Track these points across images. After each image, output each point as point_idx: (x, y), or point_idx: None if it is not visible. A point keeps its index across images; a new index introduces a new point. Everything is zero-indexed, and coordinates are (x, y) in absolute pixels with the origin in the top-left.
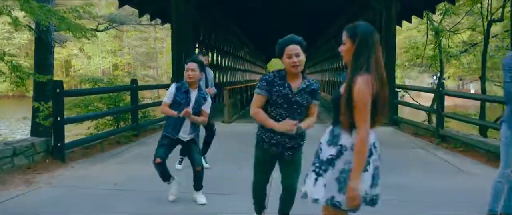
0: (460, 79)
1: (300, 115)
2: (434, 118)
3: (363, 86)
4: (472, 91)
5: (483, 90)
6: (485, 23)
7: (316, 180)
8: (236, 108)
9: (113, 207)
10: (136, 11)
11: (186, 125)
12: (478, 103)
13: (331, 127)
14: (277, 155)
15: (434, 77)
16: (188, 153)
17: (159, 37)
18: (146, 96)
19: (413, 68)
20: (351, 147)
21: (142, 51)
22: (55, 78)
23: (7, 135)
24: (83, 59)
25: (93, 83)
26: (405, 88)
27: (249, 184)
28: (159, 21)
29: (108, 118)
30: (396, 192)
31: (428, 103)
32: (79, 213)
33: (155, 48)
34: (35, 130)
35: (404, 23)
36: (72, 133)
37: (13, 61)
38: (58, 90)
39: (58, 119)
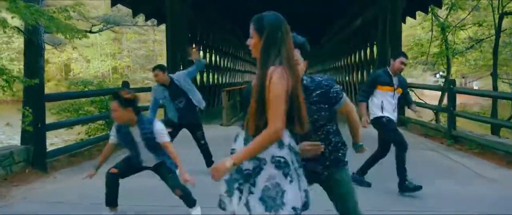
0: (463, 77)
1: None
2: (441, 117)
3: (277, 79)
4: (476, 88)
5: (495, 87)
6: (496, 16)
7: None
8: (236, 110)
9: None
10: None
11: (146, 154)
12: (481, 100)
13: (243, 133)
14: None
15: (437, 75)
16: (162, 179)
17: (159, 39)
18: (143, 99)
19: (416, 67)
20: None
21: (142, 54)
22: (55, 82)
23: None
24: (82, 63)
25: (83, 86)
26: (412, 86)
27: None
28: (155, 22)
29: (100, 122)
30: (409, 202)
31: (432, 102)
32: None
33: (154, 51)
34: (24, 137)
35: (408, 21)
36: (62, 138)
37: None
38: (38, 94)
39: (39, 125)
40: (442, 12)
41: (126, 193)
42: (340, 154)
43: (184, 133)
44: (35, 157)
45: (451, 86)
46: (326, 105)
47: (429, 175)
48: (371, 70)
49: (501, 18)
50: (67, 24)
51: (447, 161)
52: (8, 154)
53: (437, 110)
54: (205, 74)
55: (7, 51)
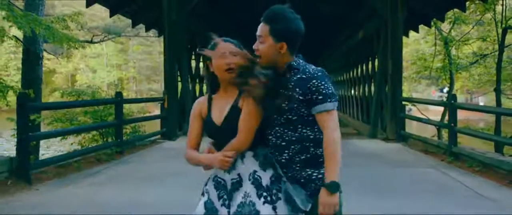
0: (469, 93)
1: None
2: (444, 133)
3: None
4: (481, 104)
5: (499, 102)
6: (500, 31)
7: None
8: None
9: None
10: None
11: None
12: (487, 116)
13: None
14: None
15: (444, 90)
16: None
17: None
18: (148, 111)
19: (420, 81)
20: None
21: (147, 65)
22: (60, 92)
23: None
24: (88, 74)
25: (76, 96)
26: (413, 101)
27: None
28: (157, 33)
29: (94, 133)
30: None
31: (436, 118)
32: None
33: (159, 62)
34: (24, 146)
35: (411, 35)
36: (54, 149)
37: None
38: (22, 104)
39: (23, 135)
40: (446, 26)
41: None
42: (320, 169)
43: None
44: (18, 168)
45: (452, 101)
46: (300, 95)
47: (428, 194)
48: (373, 84)
49: (504, 33)
50: (64, 33)
51: (448, 179)
52: None
53: (438, 125)
54: (204, 86)
55: (14, 60)
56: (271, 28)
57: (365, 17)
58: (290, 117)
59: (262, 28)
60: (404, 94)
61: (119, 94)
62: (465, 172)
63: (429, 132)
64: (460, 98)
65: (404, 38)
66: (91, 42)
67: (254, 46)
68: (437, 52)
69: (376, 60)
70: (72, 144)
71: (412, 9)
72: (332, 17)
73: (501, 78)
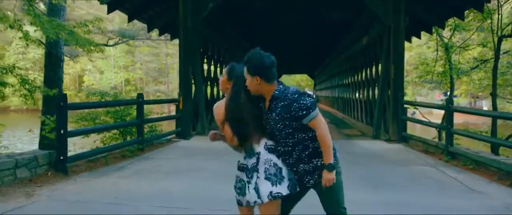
0: (473, 97)
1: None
2: (444, 134)
3: None
4: (485, 108)
5: (495, 106)
6: (496, 39)
7: (248, 188)
8: None
9: None
10: (146, 26)
11: None
12: (488, 120)
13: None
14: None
15: (448, 93)
16: None
17: (171, 53)
18: (154, 111)
19: (424, 85)
20: (264, 148)
21: (154, 66)
22: (68, 92)
23: (17, 148)
24: (95, 75)
25: (99, 97)
26: (414, 104)
27: None
28: (168, 36)
29: (115, 131)
30: (405, 209)
31: (439, 120)
32: None
33: (166, 64)
34: (42, 143)
35: (415, 39)
36: (79, 146)
37: (23, 75)
38: (62, 103)
39: (62, 131)
40: (447, 33)
41: None
42: (316, 161)
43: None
44: (57, 161)
45: (449, 105)
46: (288, 116)
47: (424, 188)
48: (376, 89)
49: (499, 41)
50: (86, 38)
51: (443, 176)
52: (33, 158)
53: (438, 127)
54: (215, 88)
55: (23, 61)
56: (247, 68)
57: (369, 24)
58: (287, 130)
59: (244, 70)
60: (408, 98)
61: (140, 95)
62: (460, 169)
63: (432, 134)
64: (464, 102)
65: (408, 43)
66: (107, 45)
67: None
68: (438, 58)
69: (380, 65)
70: (95, 141)
71: (414, 16)
72: (337, 23)
73: (499, 84)
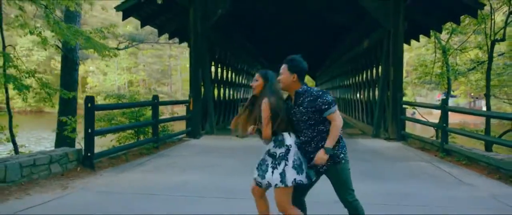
0: (472, 97)
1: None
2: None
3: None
4: (484, 108)
5: (488, 106)
6: (489, 43)
7: (272, 172)
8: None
9: (141, 209)
10: (154, 29)
11: None
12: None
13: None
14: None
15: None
16: None
17: (174, 54)
18: (162, 112)
19: (424, 86)
20: (295, 143)
21: (157, 68)
22: (105, 96)
23: (30, 148)
24: (99, 76)
25: (117, 99)
26: (412, 105)
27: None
28: (176, 39)
29: (129, 131)
30: (400, 198)
31: (438, 120)
32: (112, 213)
33: (169, 65)
34: (60, 141)
35: (415, 41)
36: (96, 145)
37: (42, 79)
38: (89, 105)
39: (89, 130)
40: (445, 36)
41: None
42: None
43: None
44: (84, 158)
45: (444, 105)
46: (313, 109)
47: (419, 181)
48: (377, 89)
49: (492, 45)
50: (102, 43)
51: (438, 170)
52: (64, 154)
53: (435, 127)
54: (222, 90)
55: (27, 63)
56: (289, 66)
57: (370, 27)
58: (310, 122)
59: (283, 67)
60: (409, 98)
61: (155, 97)
62: (454, 165)
63: (431, 133)
64: (464, 102)
65: (408, 45)
66: (117, 49)
67: (278, 78)
68: (436, 60)
69: (380, 67)
70: (111, 140)
71: (413, 20)
72: (339, 26)
73: (495, 84)
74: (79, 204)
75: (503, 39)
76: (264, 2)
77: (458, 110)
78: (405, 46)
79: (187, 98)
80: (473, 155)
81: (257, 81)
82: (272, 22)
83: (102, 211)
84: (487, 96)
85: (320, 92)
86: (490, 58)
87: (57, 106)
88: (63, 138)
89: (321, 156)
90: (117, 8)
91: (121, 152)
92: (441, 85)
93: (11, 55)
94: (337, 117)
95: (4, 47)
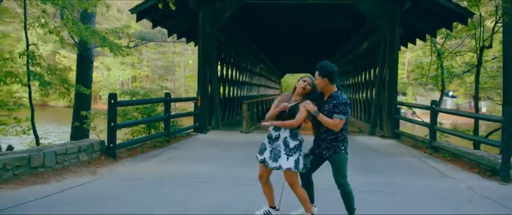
0: (474, 97)
1: None
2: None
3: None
4: (483, 109)
5: (476, 108)
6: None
7: (287, 158)
8: (253, 120)
9: (162, 191)
10: (162, 28)
11: None
12: (486, 122)
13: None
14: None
15: (450, 93)
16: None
17: (177, 51)
18: (160, 109)
19: (423, 87)
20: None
21: (161, 64)
22: (120, 93)
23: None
24: (103, 71)
25: (131, 96)
26: (405, 105)
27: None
28: (183, 38)
29: (142, 125)
30: (387, 187)
31: (443, 121)
32: (135, 198)
33: (173, 62)
34: (76, 133)
35: (418, 42)
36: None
37: (62, 76)
38: (113, 101)
39: (112, 124)
40: (441, 39)
41: None
42: (337, 144)
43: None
44: (107, 148)
45: (433, 106)
46: (332, 111)
47: (407, 173)
48: (374, 90)
49: (481, 51)
50: (116, 43)
51: (424, 165)
52: (90, 145)
53: (428, 126)
54: (227, 88)
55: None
56: (320, 72)
57: (369, 31)
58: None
59: (316, 74)
60: (409, 98)
61: (168, 94)
62: (440, 160)
63: (423, 132)
64: (464, 102)
65: (405, 47)
66: (128, 47)
67: (315, 82)
68: (433, 62)
69: (377, 68)
70: (126, 134)
71: (409, 25)
72: (340, 30)
73: (490, 86)
74: (110, 186)
75: (490, 46)
76: (269, 7)
77: (446, 111)
78: (409, 45)
79: (189, 94)
80: (457, 151)
81: (309, 86)
82: (276, 25)
83: (131, 192)
84: (476, 99)
85: (343, 101)
86: (479, 63)
87: (61, 101)
88: (78, 130)
89: (312, 106)
90: (132, 11)
91: (137, 144)
92: (436, 87)
93: (36, 54)
94: (338, 122)
95: (28, 46)
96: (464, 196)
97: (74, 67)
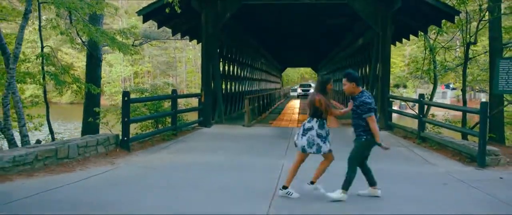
0: (472, 90)
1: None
2: (427, 125)
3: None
4: (483, 99)
5: (464, 101)
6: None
7: (326, 144)
8: (254, 114)
9: (175, 176)
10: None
11: None
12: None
13: (309, 118)
14: None
15: (450, 85)
16: None
17: (179, 47)
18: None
19: (420, 80)
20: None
21: (163, 60)
22: (130, 91)
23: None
24: (105, 67)
25: (140, 93)
26: (396, 98)
27: (269, 167)
28: (186, 36)
29: (150, 120)
30: (375, 172)
31: (437, 113)
32: (153, 181)
33: (175, 57)
34: (86, 129)
35: (412, 38)
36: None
37: (74, 75)
38: (126, 98)
39: (126, 119)
40: (434, 35)
41: None
42: (359, 133)
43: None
44: (122, 141)
45: (421, 99)
46: (358, 110)
47: (393, 161)
48: (369, 84)
49: (467, 47)
50: (123, 43)
51: (411, 153)
52: (106, 138)
53: (415, 117)
54: (229, 84)
55: (32, 56)
56: (347, 78)
57: (363, 29)
58: (355, 115)
59: (344, 80)
60: (410, 90)
61: (174, 91)
62: (426, 149)
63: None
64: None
65: (402, 42)
66: (133, 45)
67: (344, 87)
68: (426, 56)
69: (372, 63)
70: (135, 128)
71: (402, 22)
72: (337, 27)
73: (484, 79)
74: (128, 174)
75: (475, 43)
76: (267, 7)
77: (431, 104)
78: (411, 38)
79: (191, 89)
80: (442, 141)
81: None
82: (275, 23)
83: (149, 177)
84: (463, 92)
85: (367, 99)
86: (466, 58)
87: (64, 97)
88: (89, 126)
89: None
90: (139, 13)
91: (148, 137)
92: (429, 80)
93: (51, 55)
94: (371, 120)
95: (42, 48)
96: (441, 179)
97: (76, 64)
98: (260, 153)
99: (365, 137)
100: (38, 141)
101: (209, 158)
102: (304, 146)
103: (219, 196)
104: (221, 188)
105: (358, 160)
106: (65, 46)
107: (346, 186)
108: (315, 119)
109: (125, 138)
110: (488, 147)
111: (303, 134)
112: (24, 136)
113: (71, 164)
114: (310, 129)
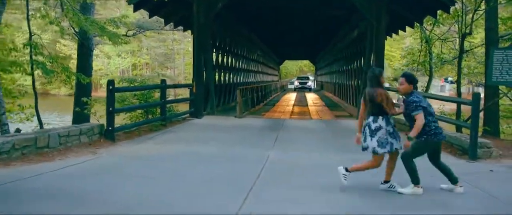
0: (471, 83)
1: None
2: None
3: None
4: (482, 94)
5: (459, 93)
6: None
7: (397, 140)
8: (247, 105)
9: (161, 165)
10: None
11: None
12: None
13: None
14: None
15: (449, 78)
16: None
17: (177, 38)
18: (155, 95)
19: (418, 73)
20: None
21: (160, 52)
22: (119, 80)
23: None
24: (103, 59)
25: (129, 83)
26: (389, 90)
27: (255, 158)
28: (180, 27)
29: (139, 111)
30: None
31: (433, 105)
32: (133, 170)
33: (173, 49)
34: (77, 119)
35: (408, 29)
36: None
37: (64, 64)
38: (111, 87)
39: (110, 109)
40: (430, 26)
41: None
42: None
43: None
44: (106, 131)
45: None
46: (407, 110)
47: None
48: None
49: (463, 39)
50: (114, 32)
51: None
52: (90, 128)
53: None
54: (222, 75)
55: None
56: (406, 78)
57: (358, 20)
58: (407, 112)
59: (402, 80)
60: None
61: (163, 81)
62: None
63: None
64: (463, 88)
65: (398, 34)
66: (126, 36)
67: (398, 87)
68: (423, 48)
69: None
70: (124, 119)
71: (397, 13)
72: (334, 18)
73: (480, 72)
74: (109, 163)
75: (470, 33)
76: None
77: (425, 95)
78: (408, 30)
79: (189, 81)
80: None
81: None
82: (270, 14)
83: (130, 166)
84: (458, 84)
85: (415, 98)
86: (461, 49)
87: (63, 89)
88: (80, 116)
89: (405, 144)
90: (129, 1)
91: (134, 128)
92: (425, 73)
93: (38, 44)
94: (418, 118)
95: (30, 36)
96: (430, 172)
97: (74, 56)
98: (249, 144)
99: (424, 137)
100: (18, 130)
101: (198, 148)
102: (375, 148)
103: (200, 186)
104: (209, 178)
105: (412, 157)
106: (64, 38)
107: (414, 180)
108: (380, 117)
109: (110, 128)
110: (480, 140)
111: (372, 135)
112: (3, 125)
113: (51, 153)
114: (379, 128)
